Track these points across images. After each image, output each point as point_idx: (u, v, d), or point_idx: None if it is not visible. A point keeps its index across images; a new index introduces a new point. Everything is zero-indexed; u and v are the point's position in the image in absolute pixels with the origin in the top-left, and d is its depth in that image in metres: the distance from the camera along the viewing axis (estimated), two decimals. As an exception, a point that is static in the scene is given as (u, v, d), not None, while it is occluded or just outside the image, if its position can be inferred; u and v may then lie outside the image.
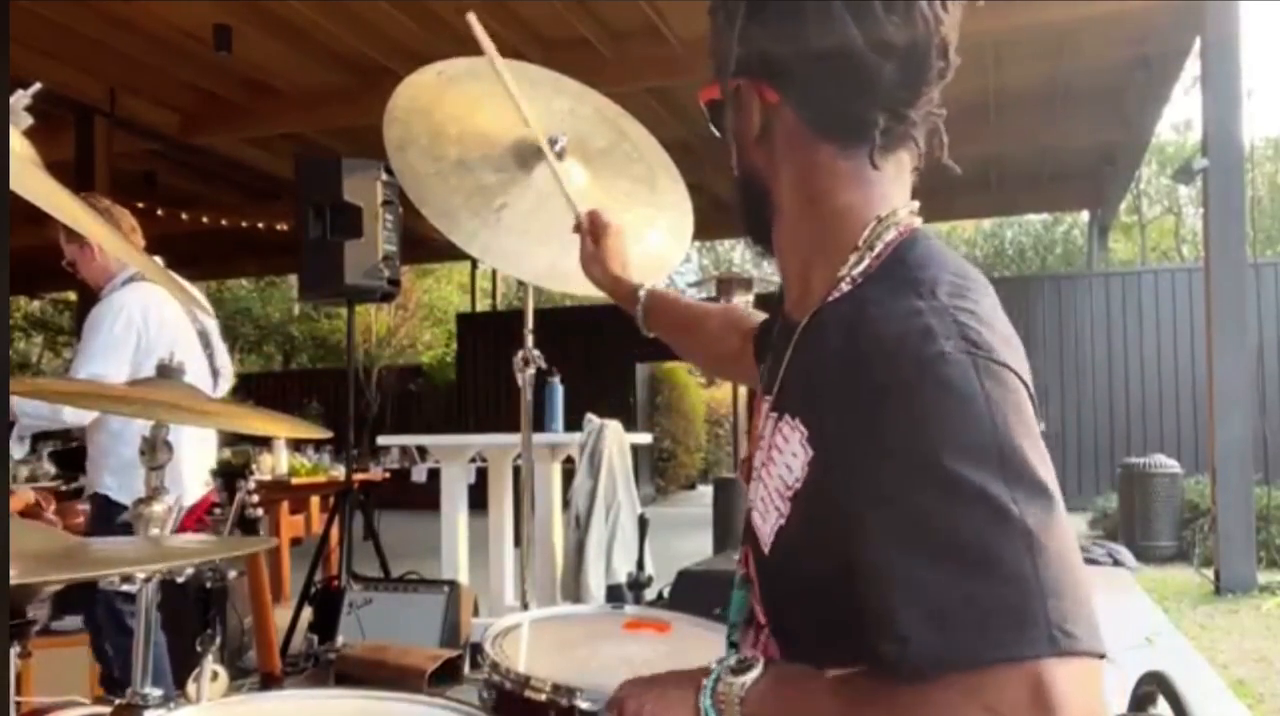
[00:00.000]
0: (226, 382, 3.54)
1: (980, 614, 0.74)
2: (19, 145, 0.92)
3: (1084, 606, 0.75)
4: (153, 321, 3.12)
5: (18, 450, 3.22)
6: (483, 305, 18.09)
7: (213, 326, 3.43)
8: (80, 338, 3.18)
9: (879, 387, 0.81)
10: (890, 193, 0.96)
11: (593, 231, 1.63)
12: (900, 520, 0.78)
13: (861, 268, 0.93)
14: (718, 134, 1.08)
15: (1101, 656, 0.74)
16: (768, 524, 0.93)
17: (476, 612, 4.62)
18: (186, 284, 3.24)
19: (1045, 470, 0.79)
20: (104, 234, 1.05)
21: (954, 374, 0.79)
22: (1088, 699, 0.73)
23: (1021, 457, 0.78)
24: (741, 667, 0.89)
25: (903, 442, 0.79)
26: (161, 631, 3.10)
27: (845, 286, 0.94)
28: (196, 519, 3.37)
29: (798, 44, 0.92)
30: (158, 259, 3.20)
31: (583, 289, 1.80)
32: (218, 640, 1.41)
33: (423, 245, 9.17)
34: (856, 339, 0.86)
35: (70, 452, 5.67)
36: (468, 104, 1.77)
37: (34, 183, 0.84)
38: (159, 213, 9.91)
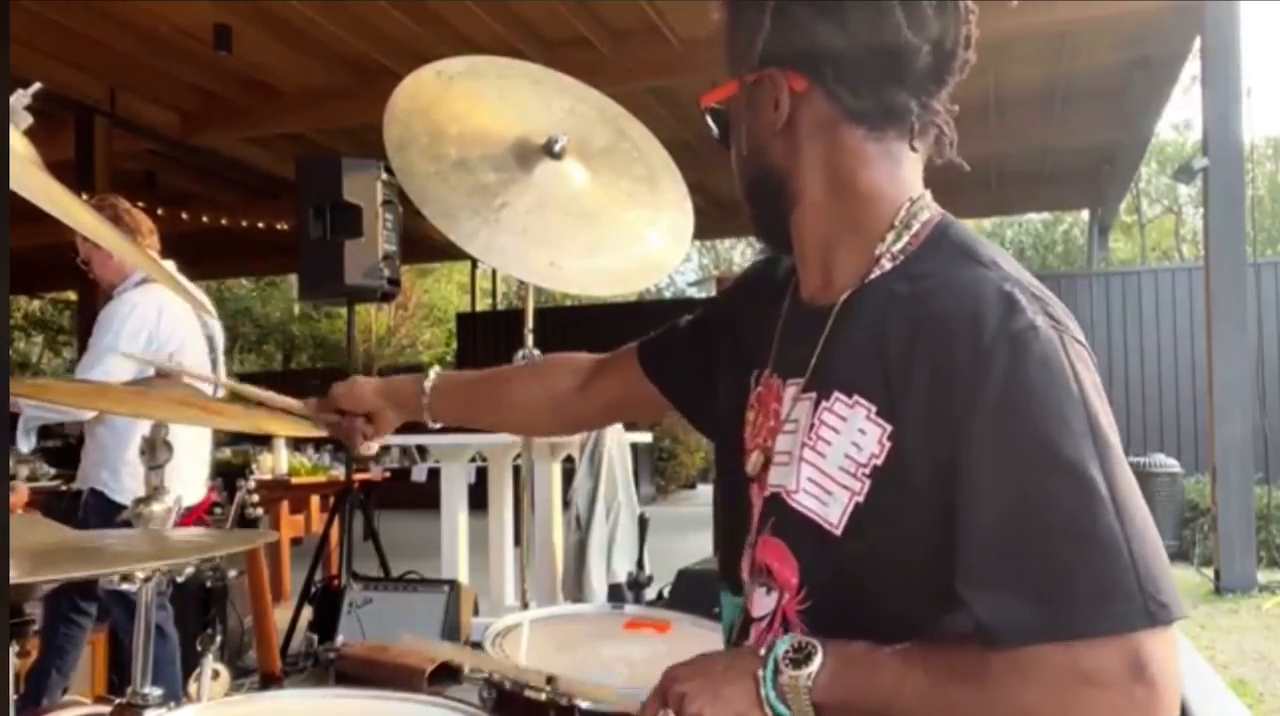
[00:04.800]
0: (221, 392, 3.54)
1: (1080, 586, 0.77)
2: (19, 145, 0.92)
3: (1167, 572, 0.78)
4: (165, 321, 3.13)
5: (24, 443, 3.22)
6: (483, 305, 18.09)
7: (219, 333, 3.44)
8: (91, 334, 3.17)
9: (970, 359, 0.83)
10: (913, 177, 0.99)
11: (326, 411, 1.45)
12: (1003, 491, 0.81)
13: (901, 245, 0.95)
14: (718, 136, 1.07)
15: (1185, 617, 0.78)
16: (831, 505, 0.91)
17: (476, 612, 4.62)
18: (196, 290, 3.26)
19: (1116, 437, 0.82)
20: (108, 236, 1.05)
21: (1048, 349, 0.83)
22: (1176, 666, 0.77)
23: (1105, 430, 0.81)
24: (801, 656, 0.85)
25: (1004, 418, 0.81)
26: (174, 627, 3.11)
27: (886, 263, 0.95)
28: (196, 518, 3.38)
29: (839, 29, 0.93)
30: (170, 263, 3.24)
31: (582, 289, 1.80)
32: (218, 639, 1.40)
33: (423, 245, 9.17)
34: (926, 313, 0.88)
35: (67, 450, 5.66)
36: (468, 103, 1.77)
37: (34, 183, 0.84)
38: (159, 212, 9.89)
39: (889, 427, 0.87)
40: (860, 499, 0.89)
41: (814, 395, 0.95)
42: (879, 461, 0.88)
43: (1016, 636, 0.78)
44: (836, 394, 0.92)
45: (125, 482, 3.06)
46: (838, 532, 0.90)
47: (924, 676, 0.82)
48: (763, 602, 0.98)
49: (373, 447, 1.48)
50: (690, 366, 1.22)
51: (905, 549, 0.86)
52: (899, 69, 0.93)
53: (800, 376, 0.98)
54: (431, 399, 1.39)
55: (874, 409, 0.89)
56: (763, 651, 0.88)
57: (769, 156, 1.01)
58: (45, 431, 5.84)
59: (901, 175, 0.97)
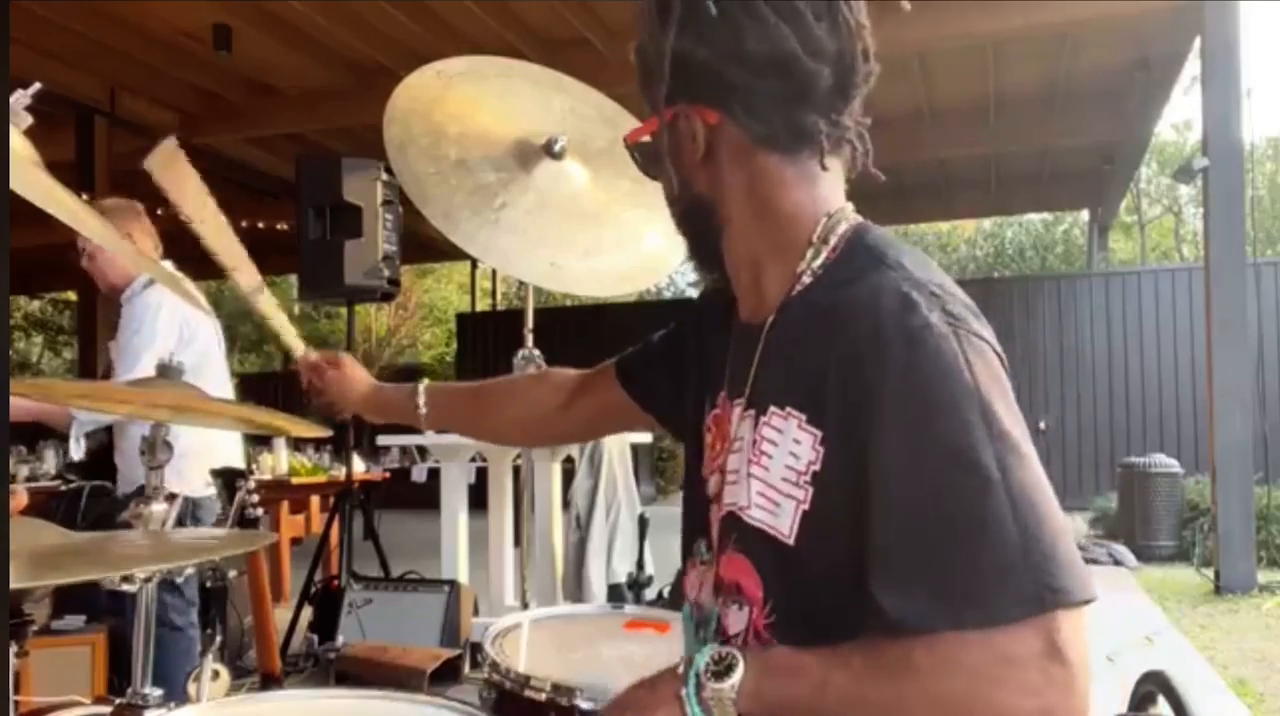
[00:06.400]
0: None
1: (970, 575, 0.79)
2: (19, 145, 0.92)
3: (1065, 557, 0.79)
4: (190, 316, 3.13)
5: (75, 452, 3.19)
6: (483, 305, 18.08)
7: (220, 332, 3.44)
8: (122, 337, 3.13)
9: (870, 355, 0.86)
10: (832, 193, 1.01)
11: (315, 372, 1.58)
12: (899, 485, 0.83)
13: (820, 259, 0.98)
14: (647, 172, 1.11)
15: (1090, 601, 0.79)
16: (780, 516, 0.93)
17: (476, 612, 4.62)
18: (195, 291, 3.25)
19: (1020, 430, 0.84)
20: (110, 237, 1.05)
21: (942, 346, 0.85)
22: (1084, 646, 0.78)
23: (1002, 421, 0.83)
24: (722, 668, 0.86)
25: (898, 411, 0.84)
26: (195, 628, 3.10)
27: (807, 279, 0.98)
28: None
29: (738, 61, 0.96)
30: (168, 262, 3.23)
31: (583, 289, 1.80)
32: (218, 639, 1.41)
33: (423, 245, 9.18)
34: (833, 317, 0.91)
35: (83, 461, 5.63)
36: (468, 104, 1.77)
37: (34, 183, 0.85)
38: (159, 213, 9.89)
39: (819, 433, 0.90)
40: (806, 506, 0.91)
41: (753, 412, 0.98)
42: (816, 467, 0.90)
43: (915, 627, 0.80)
44: (771, 408, 0.95)
45: (171, 478, 3.07)
46: (790, 541, 0.92)
47: (846, 676, 0.83)
48: (736, 620, 0.99)
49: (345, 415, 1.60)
50: (665, 379, 1.26)
51: (853, 548, 0.87)
52: (803, 93, 0.96)
53: (742, 396, 1.02)
54: (428, 413, 1.49)
55: (804, 418, 0.92)
56: (681, 670, 0.88)
57: (695, 187, 1.04)
58: (49, 434, 5.83)
59: (820, 193, 1.00)
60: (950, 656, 0.79)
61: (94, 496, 4.04)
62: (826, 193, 1.00)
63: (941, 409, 0.82)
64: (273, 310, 1.63)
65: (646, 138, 1.08)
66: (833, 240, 0.98)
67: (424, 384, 1.51)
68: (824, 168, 0.99)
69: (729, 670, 0.85)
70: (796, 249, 0.99)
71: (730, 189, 1.01)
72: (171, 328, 3.10)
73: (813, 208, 0.99)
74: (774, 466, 0.94)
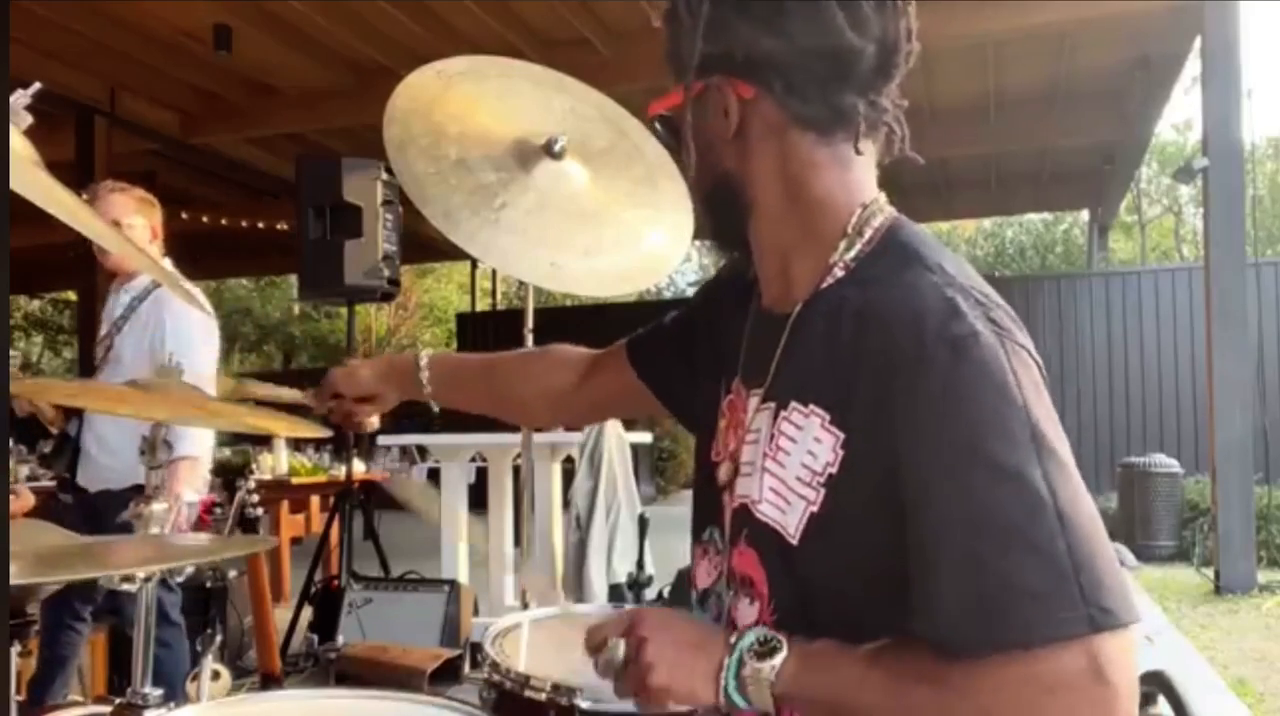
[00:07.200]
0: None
1: (1020, 595, 0.76)
2: (19, 145, 0.91)
3: (1113, 577, 0.77)
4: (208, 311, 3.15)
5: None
6: (483, 305, 18.08)
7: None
8: (173, 335, 3.10)
9: (910, 362, 0.83)
10: (865, 179, 0.98)
11: (323, 393, 1.51)
12: (943, 501, 0.80)
13: (854, 252, 0.95)
14: (670, 146, 1.08)
15: (1136, 623, 0.77)
16: (790, 514, 0.91)
17: (476, 612, 4.62)
18: (196, 291, 3.25)
19: (1064, 444, 0.81)
20: (110, 236, 1.05)
21: (987, 356, 0.81)
22: (1132, 668, 0.76)
23: (1048, 436, 0.80)
24: (766, 649, 0.86)
25: (942, 423, 0.81)
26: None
27: (839, 271, 0.95)
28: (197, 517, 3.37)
29: (781, 34, 0.92)
30: (166, 260, 3.21)
31: (583, 289, 1.80)
32: (218, 639, 1.41)
33: (423, 245, 9.17)
34: (871, 317, 0.87)
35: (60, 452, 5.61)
36: (468, 103, 1.77)
37: (34, 183, 0.85)
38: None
39: (841, 436, 0.88)
40: (815, 508, 0.89)
41: (773, 405, 0.96)
42: (834, 470, 0.88)
43: (960, 648, 0.78)
44: (794, 403, 0.93)
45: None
46: (794, 541, 0.91)
47: (885, 676, 0.82)
48: (746, 613, 0.98)
49: (374, 423, 1.52)
50: (676, 363, 1.23)
51: (861, 556, 0.86)
52: (845, 71, 0.93)
53: (761, 386, 0.99)
54: (431, 379, 1.41)
55: (828, 418, 0.89)
56: (731, 640, 0.88)
57: (723, 164, 1.00)
58: (43, 432, 5.81)
59: (853, 178, 0.97)
60: (991, 679, 0.77)
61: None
62: (859, 179, 0.97)
63: (988, 422, 0.79)
64: (263, 392, 1.62)
65: (669, 109, 1.05)
66: (867, 233, 0.95)
67: (426, 355, 1.42)
68: (858, 152, 0.96)
69: (772, 652, 0.85)
70: (829, 238, 0.96)
71: (760, 169, 0.97)
72: (209, 328, 3.15)
73: (845, 195, 0.96)
74: (790, 463, 0.92)
